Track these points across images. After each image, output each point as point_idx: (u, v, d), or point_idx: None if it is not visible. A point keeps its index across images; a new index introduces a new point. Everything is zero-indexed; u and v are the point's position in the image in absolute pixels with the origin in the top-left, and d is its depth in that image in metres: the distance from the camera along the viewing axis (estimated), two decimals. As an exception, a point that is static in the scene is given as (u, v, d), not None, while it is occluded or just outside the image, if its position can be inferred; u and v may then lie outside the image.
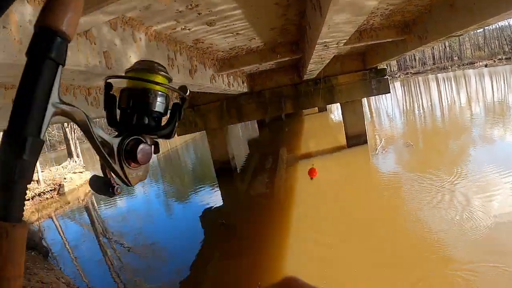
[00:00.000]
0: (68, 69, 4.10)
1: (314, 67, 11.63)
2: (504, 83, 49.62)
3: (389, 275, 8.12)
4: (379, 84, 19.68)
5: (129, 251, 14.53)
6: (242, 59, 11.64)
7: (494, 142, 18.23)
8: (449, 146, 19.40)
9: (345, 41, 7.02)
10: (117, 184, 1.16)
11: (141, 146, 1.13)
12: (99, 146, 1.03)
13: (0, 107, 7.55)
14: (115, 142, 1.10)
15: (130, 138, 1.14)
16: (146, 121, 1.18)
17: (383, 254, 9.07)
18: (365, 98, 21.18)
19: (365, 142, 20.60)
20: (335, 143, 22.40)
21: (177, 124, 1.28)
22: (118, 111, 1.22)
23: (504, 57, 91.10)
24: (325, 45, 7.20)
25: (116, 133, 1.16)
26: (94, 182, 1.20)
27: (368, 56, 18.63)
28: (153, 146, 1.21)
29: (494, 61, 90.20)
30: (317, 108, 39.82)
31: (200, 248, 12.69)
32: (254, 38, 9.73)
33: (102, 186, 1.17)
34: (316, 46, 7.06)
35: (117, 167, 1.12)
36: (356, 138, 20.40)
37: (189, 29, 7.02)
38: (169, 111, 1.27)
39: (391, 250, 9.23)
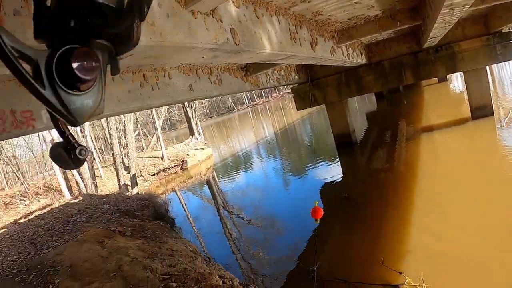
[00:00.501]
0: (199, 47, 4.25)
1: (436, 33, 11.11)
2: None
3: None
4: (504, 49, 18.25)
5: (248, 223, 14.90)
6: (361, 29, 11.39)
7: None
8: None
9: (471, 2, 6.63)
10: (79, 145, 0.91)
11: (79, 53, 0.80)
12: (16, 64, 0.74)
13: (129, 90, 8.01)
14: (40, 56, 0.79)
15: (64, 48, 0.81)
16: (85, 19, 0.83)
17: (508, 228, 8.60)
18: (487, 66, 19.75)
19: (491, 113, 19.07)
20: (458, 115, 21.25)
21: (140, 23, 0.94)
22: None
23: None
24: (451, 8, 6.85)
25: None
26: (54, 152, 0.93)
27: (491, 19, 17.37)
28: (102, 55, 0.88)
29: None
30: (436, 78, 38.16)
31: (320, 222, 12.66)
32: (373, 6, 9.51)
33: (62, 154, 0.91)
34: (441, 9, 6.73)
35: (49, 94, 0.82)
36: (481, 110, 19.12)
37: (308, 1, 6.98)
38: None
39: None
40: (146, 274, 7.52)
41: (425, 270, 7.57)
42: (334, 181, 16.93)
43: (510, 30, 18.35)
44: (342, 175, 17.57)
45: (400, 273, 7.91)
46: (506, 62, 22.56)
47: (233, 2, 4.97)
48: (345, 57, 12.86)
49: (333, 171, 18.41)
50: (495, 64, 26.00)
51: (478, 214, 9.59)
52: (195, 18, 4.12)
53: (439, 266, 7.80)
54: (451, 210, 10.26)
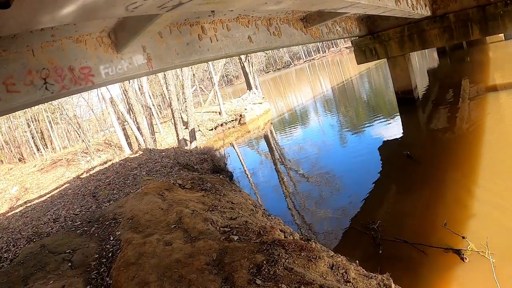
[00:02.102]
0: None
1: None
2: None
3: None
4: None
5: (305, 179, 14.89)
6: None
7: None
8: None
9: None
10: None
11: None
12: None
13: (187, 42, 7.94)
14: None
15: None
16: None
17: None
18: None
19: None
20: (525, 76, 20.32)
21: None
22: None
23: None
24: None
25: None
26: None
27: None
28: None
29: None
30: (503, 35, 36.39)
31: (378, 179, 12.48)
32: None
33: None
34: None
35: None
36: None
37: None
38: None
39: None
40: (206, 227, 7.58)
41: (490, 237, 7.32)
42: (394, 138, 16.63)
43: None
44: (402, 133, 17.21)
45: (463, 237, 7.69)
46: None
47: None
48: (409, 7, 12.35)
49: (393, 128, 18.06)
50: None
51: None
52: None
53: (505, 234, 7.51)
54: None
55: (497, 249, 7.04)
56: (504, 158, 11.00)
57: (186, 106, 26.80)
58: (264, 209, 11.52)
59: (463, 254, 7.15)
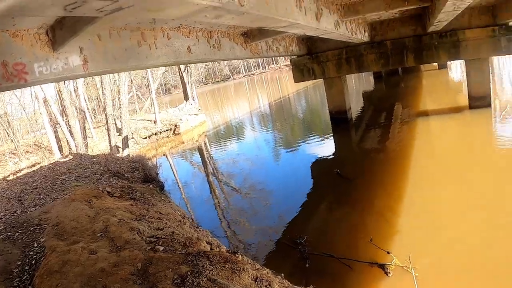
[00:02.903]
0: (203, 4, 4.08)
1: (443, 17, 10.96)
2: None
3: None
4: (509, 42, 18.16)
5: (237, 192, 14.96)
6: (368, 5, 11.24)
7: None
8: None
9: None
10: None
11: None
12: None
13: (126, 48, 7.83)
14: None
15: None
16: None
17: (495, 215, 8.66)
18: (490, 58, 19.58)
19: (489, 105, 18.98)
20: (455, 103, 21.33)
21: None
22: None
23: None
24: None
25: None
26: None
27: (499, 10, 17.20)
28: None
29: None
30: (436, 64, 38.16)
31: (309, 196, 12.72)
32: (383, -18, 9.32)
33: None
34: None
35: None
36: (480, 100, 19.01)
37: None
38: None
39: (500, 212, 8.77)
40: (133, 236, 7.45)
41: (413, 252, 7.59)
42: (326, 156, 17.07)
43: (516, 24, 18.16)
44: (334, 151, 17.65)
45: (388, 252, 7.96)
46: (509, 57, 22.38)
47: None
48: (348, 32, 12.72)
49: (326, 147, 18.49)
50: (497, 57, 25.76)
51: (468, 202, 9.63)
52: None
53: (427, 250, 7.85)
54: (442, 196, 10.32)
55: (420, 263, 7.34)
56: (429, 178, 11.65)
57: (121, 112, 26.35)
58: (192, 221, 11.47)
59: (387, 269, 7.41)
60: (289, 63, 21.73)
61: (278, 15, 5.99)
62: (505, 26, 17.63)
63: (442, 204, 9.82)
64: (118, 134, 27.96)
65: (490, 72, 19.70)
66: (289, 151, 19.66)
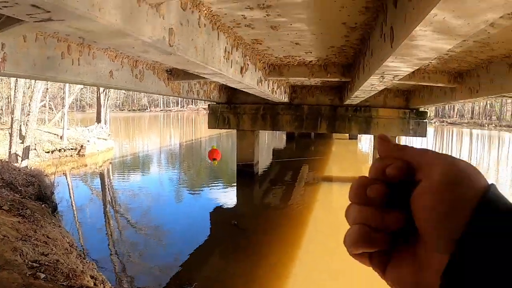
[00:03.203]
0: (133, 36, 4.09)
1: (360, 94, 11.51)
2: None
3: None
4: (417, 125, 19.57)
5: (132, 226, 14.57)
6: (292, 70, 11.61)
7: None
8: None
9: (402, 76, 6.92)
10: None
11: None
12: None
13: (49, 56, 7.62)
14: None
15: None
16: None
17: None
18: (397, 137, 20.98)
19: None
20: (359, 173, 22.26)
21: None
22: None
23: None
24: (382, 76, 7.10)
25: None
26: None
27: (413, 96, 18.51)
28: None
29: None
30: (348, 134, 39.77)
31: (205, 242, 12.65)
32: (311, 52, 9.69)
33: None
34: (373, 75, 6.96)
35: None
36: None
37: (252, 28, 6.98)
38: None
39: None
40: (15, 257, 7.01)
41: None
42: (227, 206, 17.10)
43: (426, 110, 19.58)
44: (236, 202, 17.71)
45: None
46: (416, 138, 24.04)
47: (181, 3, 4.86)
48: (269, 91, 13.05)
49: (228, 196, 18.55)
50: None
51: (354, 272, 9.93)
52: (139, 6, 3.96)
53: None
54: (333, 261, 10.55)
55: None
56: (324, 240, 12.07)
57: (28, 120, 25.18)
58: (80, 251, 10.99)
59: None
60: (207, 108, 21.84)
61: (205, 62, 6.08)
62: (415, 111, 18.94)
63: (331, 272, 10.08)
64: (21, 142, 26.63)
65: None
66: (192, 194, 19.55)
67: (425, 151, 0.57)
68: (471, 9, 3.01)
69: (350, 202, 0.63)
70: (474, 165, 0.55)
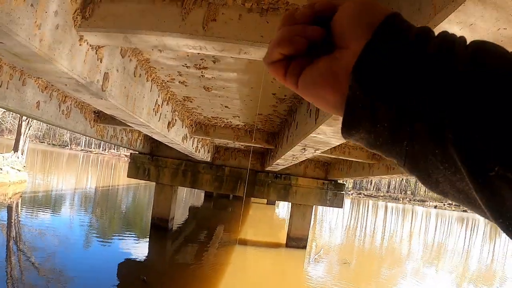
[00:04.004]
0: (68, 74, 4.16)
1: (282, 162, 11.84)
2: (446, 227, 52.20)
3: None
4: (334, 197, 20.28)
5: (34, 267, 13.89)
6: (218, 131, 11.85)
7: (423, 278, 19.79)
8: (382, 272, 20.49)
9: (323, 150, 7.27)
10: None
11: None
12: None
13: None
14: None
15: None
16: None
17: None
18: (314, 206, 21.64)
19: (305, 247, 20.76)
20: (275, 239, 22.66)
21: None
22: None
23: (453, 203, 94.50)
24: (304, 148, 7.43)
25: None
26: None
27: (332, 168, 19.23)
28: None
29: (444, 204, 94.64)
30: (266, 200, 40.26)
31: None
32: (239, 117, 9.97)
33: None
34: (296, 146, 7.26)
35: None
36: (297, 241, 20.60)
37: (186, 85, 7.18)
38: None
39: None
40: None
41: None
42: (137, 259, 16.59)
43: (344, 182, 20.39)
44: (147, 256, 17.32)
45: None
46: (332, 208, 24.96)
47: (121, 49, 4.99)
48: (193, 148, 13.21)
49: (139, 249, 18.13)
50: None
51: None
52: (80, 45, 4.07)
53: None
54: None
55: None
56: None
57: None
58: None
59: None
60: (129, 156, 21.65)
61: (134, 112, 6.16)
62: (334, 182, 19.76)
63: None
64: None
65: (312, 218, 21.49)
66: (101, 242, 18.93)
67: None
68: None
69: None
70: None
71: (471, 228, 57.61)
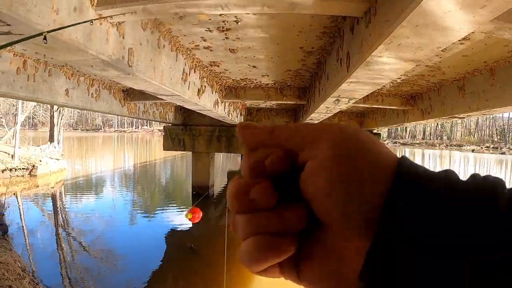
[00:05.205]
0: (93, 55, 4.08)
1: (315, 117, 11.66)
2: (486, 171, 51.54)
3: None
4: None
5: (85, 250, 14.17)
6: (249, 92, 11.69)
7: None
8: None
9: (357, 99, 7.10)
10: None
11: None
12: None
13: (3, 71, 7.48)
14: None
15: None
16: None
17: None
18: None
19: None
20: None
21: None
22: None
23: (491, 146, 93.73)
24: (337, 99, 7.27)
25: None
26: None
27: (366, 118, 18.89)
28: None
29: (481, 147, 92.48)
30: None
31: (159, 266, 12.41)
32: (268, 75, 9.79)
33: None
34: (329, 98, 7.10)
35: None
36: None
37: (211, 50, 7.05)
38: None
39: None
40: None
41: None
42: (182, 229, 16.83)
43: (380, 132, 20.04)
44: (191, 225, 17.51)
45: None
46: None
47: (141, 22, 4.88)
48: (225, 113, 13.09)
49: (184, 219, 18.30)
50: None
51: None
52: (100, 24, 3.98)
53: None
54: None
55: None
56: None
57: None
58: (34, 276, 10.66)
59: None
60: (162, 129, 21.71)
61: (162, 83, 6.09)
62: (369, 133, 19.26)
63: None
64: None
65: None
66: (146, 217, 19.23)
67: (304, 126, 0.47)
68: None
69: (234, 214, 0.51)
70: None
71: (510, 169, 56.59)
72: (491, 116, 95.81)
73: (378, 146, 0.44)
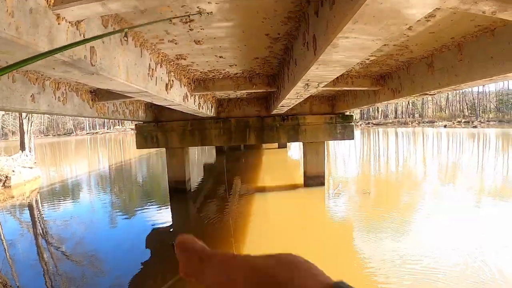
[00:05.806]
0: (53, 56, 3.98)
1: (286, 103, 11.68)
2: (459, 145, 52.41)
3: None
4: (344, 129, 20.23)
5: (67, 257, 14.03)
6: (218, 83, 11.64)
7: (442, 198, 20.18)
8: (401, 197, 20.85)
9: (327, 82, 7.09)
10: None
11: None
12: None
13: None
14: None
15: None
16: None
17: None
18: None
19: (323, 184, 21.12)
20: (292, 181, 22.89)
21: None
22: None
23: (463, 120, 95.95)
24: (307, 84, 7.25)
25: None
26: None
27: (338, 101, 19.04)
28: None
29: (453, 123, 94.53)
30: (277, 144, 40.49)
31: (142, 267, 12.37)
32: (235, 65, 9.74)
33: None
34: (298, 83, 7.09)
35: None
36: (314, 179, 20.86)
37: (176, 43, 6.96)
38: None
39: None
40: None
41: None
42: (163, 226, 16.86)
43: (352, 114, 20.27)
44: (172, 221, 17.53)
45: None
46: (344, 141, 25.20)
47: (102, 20, 4.77)
48: (195, 106, 13.03)
49: (163, 217, 18.34)
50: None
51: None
52: (58, 24, 3.86)
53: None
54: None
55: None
56: (262, 247, 12.18)
57: None
58: None
59: None
60: (135, 127, 21.61)
61: (129, 81, 6.00)
62: (341, 115, 19.62)
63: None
64: None
65: (325, 154, 21.62)
66: (126, 218, 19.11)
67: (231, 258, 0.44)
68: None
69: None
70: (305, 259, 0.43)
71: (483, 142, 57.56)
72: (461, 91, 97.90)
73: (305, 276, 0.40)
